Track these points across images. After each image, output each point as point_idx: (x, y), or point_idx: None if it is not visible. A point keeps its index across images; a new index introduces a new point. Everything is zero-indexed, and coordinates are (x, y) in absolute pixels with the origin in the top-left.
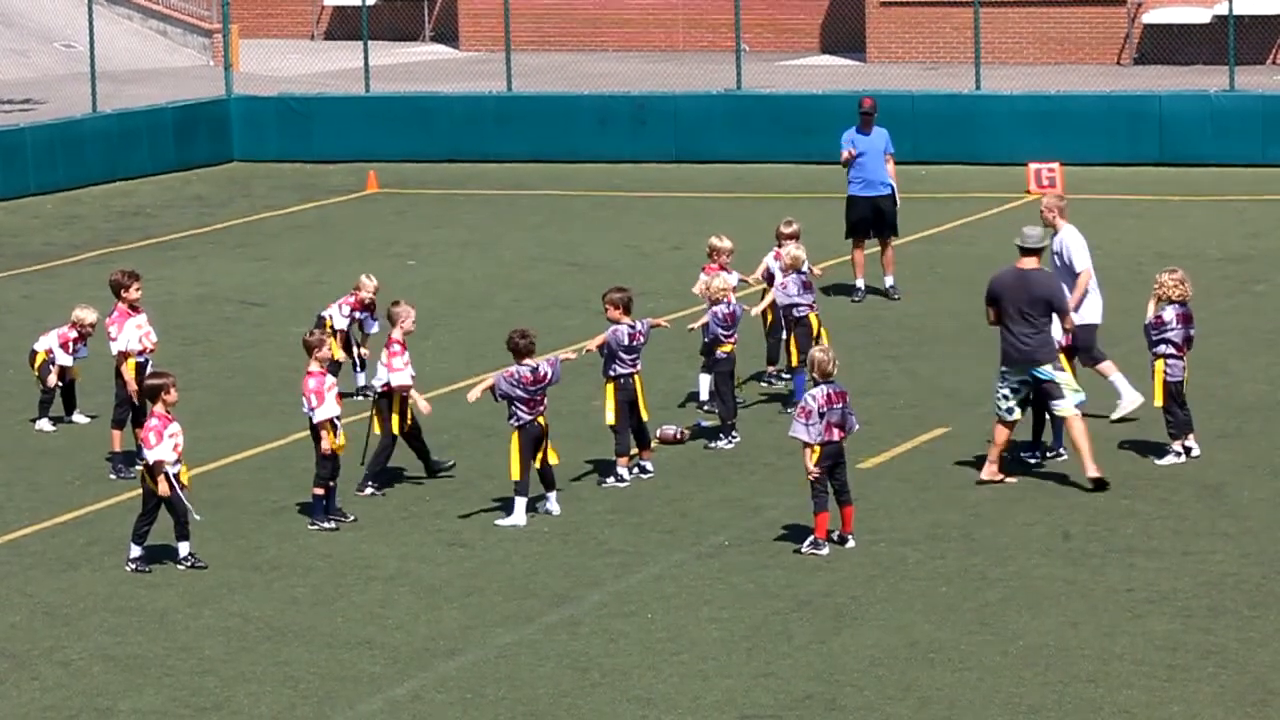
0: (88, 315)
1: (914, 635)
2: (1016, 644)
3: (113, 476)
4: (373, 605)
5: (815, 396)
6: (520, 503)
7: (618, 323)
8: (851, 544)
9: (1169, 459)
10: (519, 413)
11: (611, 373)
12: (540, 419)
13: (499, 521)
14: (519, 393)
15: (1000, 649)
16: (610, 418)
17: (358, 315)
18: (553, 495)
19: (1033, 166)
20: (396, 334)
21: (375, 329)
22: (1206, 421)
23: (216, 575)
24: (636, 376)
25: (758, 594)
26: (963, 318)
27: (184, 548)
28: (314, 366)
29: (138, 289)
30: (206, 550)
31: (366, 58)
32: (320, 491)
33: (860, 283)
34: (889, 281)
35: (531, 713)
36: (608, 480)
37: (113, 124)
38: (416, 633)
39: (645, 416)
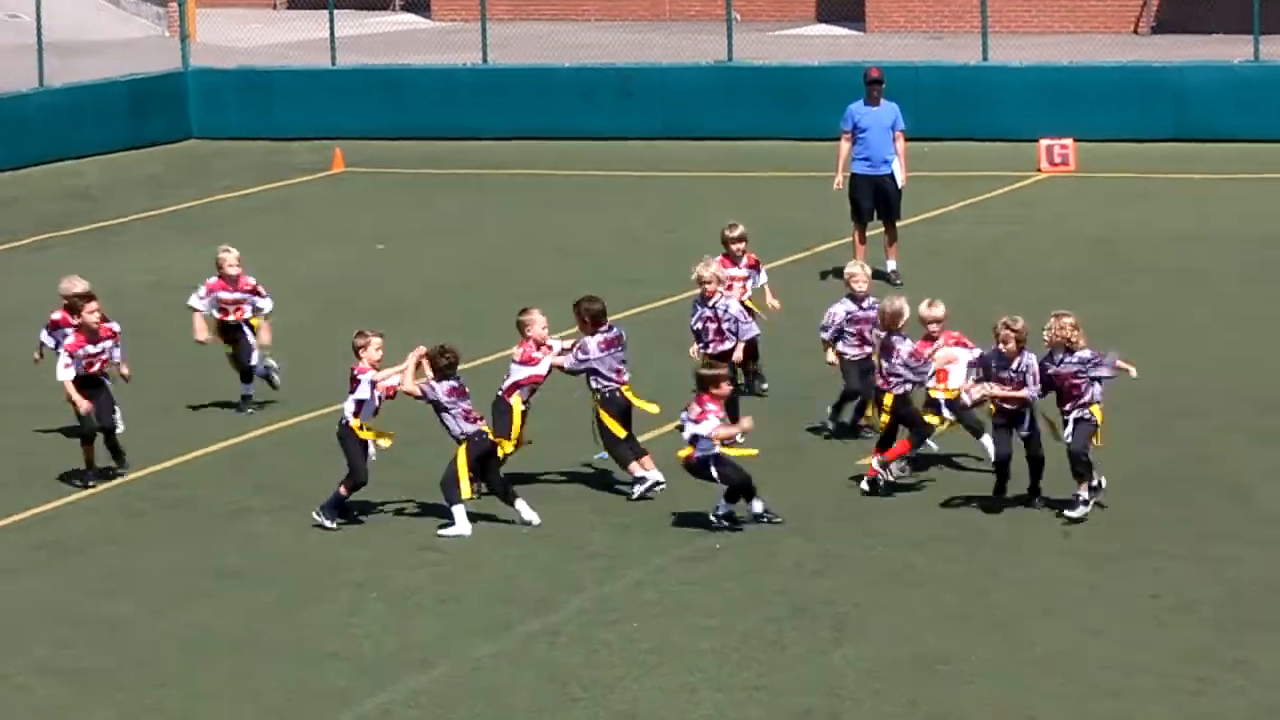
0: (75, 285)
1: (919, 645)
2: (1030, 654)
3: (92, 483)
4: (340, 614)
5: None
6: (459, 510)
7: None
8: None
9: (1082, 509)
10: (460, 427)
11: (594, 385)
12: (487, 429)
13: (441, 532)
14: (445, 402)
15: (1013, 659)
16: (615, 431)
17: (226, 295)
18: (521, 504)
19: (1044, 143)
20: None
21: (269, 306)
22: (1235, 419)
23: (173, 582)
24: (625, 388)
25: (750, 600)
26: (968, 304)
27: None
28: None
29: (95, 309)
30: (162, 556)
31: (332, 28)
32: (345, 491)
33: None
34: (891, 266)
35: None
36: (635, 489)
37: (60, 99)
38: (386, 643)
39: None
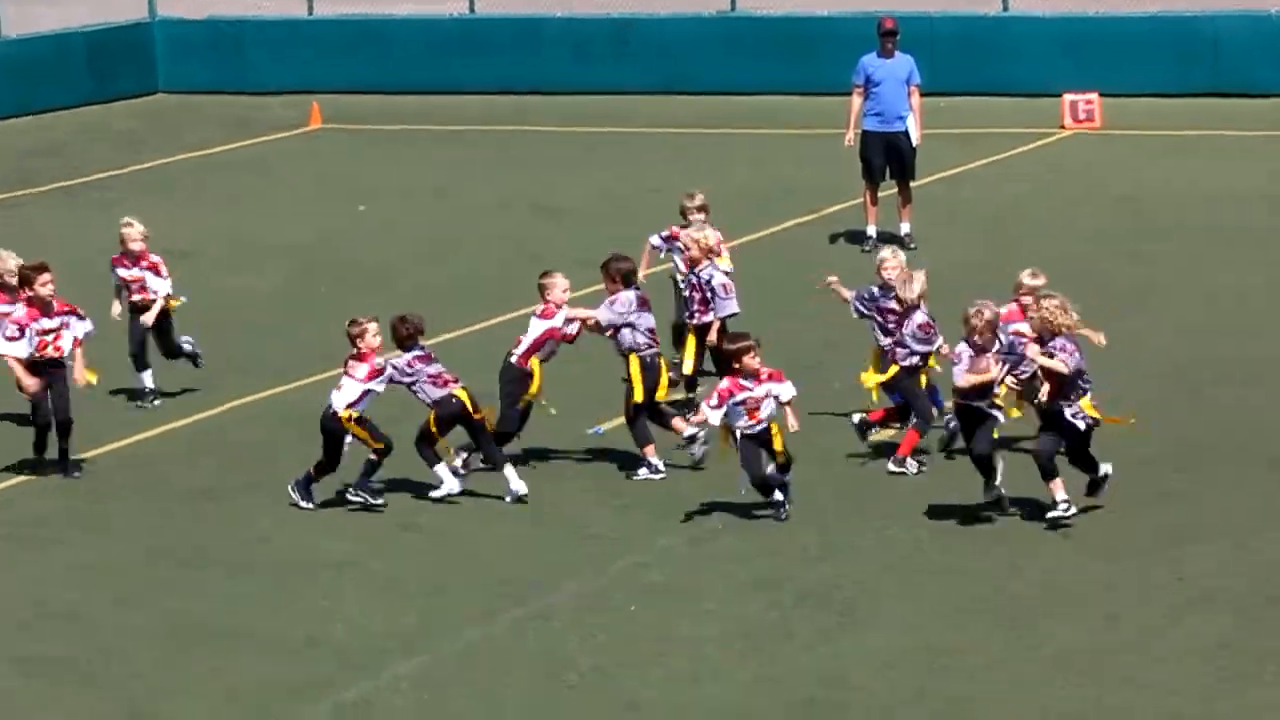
0: (8, 261)
1: (931, 634)
2: (1048, 644)
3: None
4: (319, 601)
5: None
6: (441, 469)
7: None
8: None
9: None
10: (427, 393)
11: (628, 345)
12: (460, 393)
13: (433, 494)
14: (410, 379)
15: (1029, 650)
16: (638, 396)
17: (125, 273)
18: (509, 471)
19: (1068, 98)
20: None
21: (164, 288)
22: (1268, 386)
23: (143, 568)
24: (660, 356)
25: (755, 586)
26: (986, 269)
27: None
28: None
29: (47, 282)
30: (130, 539)
31: None
32: (315, 474)
33: (872, 229)
34: (905, 228)
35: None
36: (639, 473)
37: (16, 50)
38: (368, 630)
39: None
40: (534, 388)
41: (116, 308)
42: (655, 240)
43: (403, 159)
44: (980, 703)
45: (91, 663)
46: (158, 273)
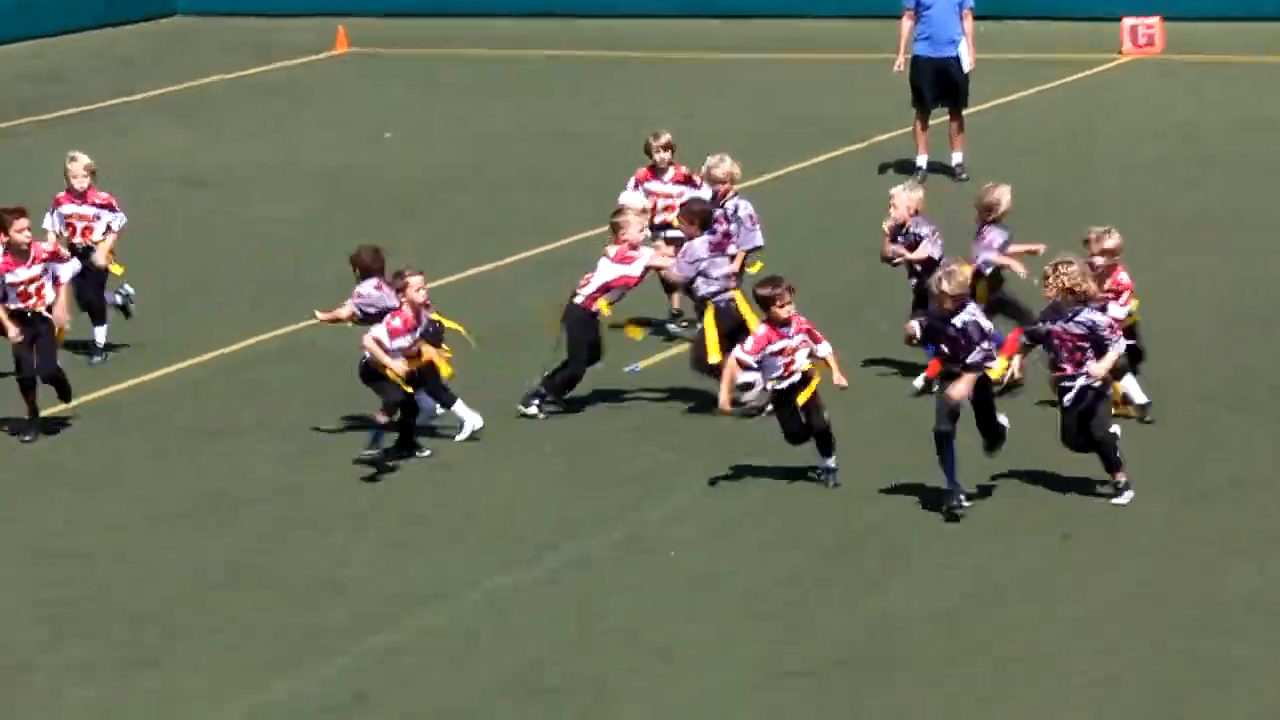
0: None
1: (979, 583)
2: (1106, 591)
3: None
4: (340, 545)
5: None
6: (460, 407)
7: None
8: None
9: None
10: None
11: (703, 293)
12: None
13: (459, 437)
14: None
15: (1085, 597)
16: (713, 355)
17: (71, 210)
18: (459, 406)
19: (1128, 22)
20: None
21: (120, 223)
22: None
23: (153, 509)
24: (738, 295)
25: (797, 534)
26: (1043, 200)
27: None
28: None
29: (24, 228)
30: (140, 479)
31: None
32: (383, 417)
33: (922, 160)
34: (956, 159)
35: (527, 669)
36: (747, 396)
37: None
38: (391, 577)
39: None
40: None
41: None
42: (629, 194)
43: (428, 85)
44: (1031, 652)
45: (99, 607)
46: (112, 208)
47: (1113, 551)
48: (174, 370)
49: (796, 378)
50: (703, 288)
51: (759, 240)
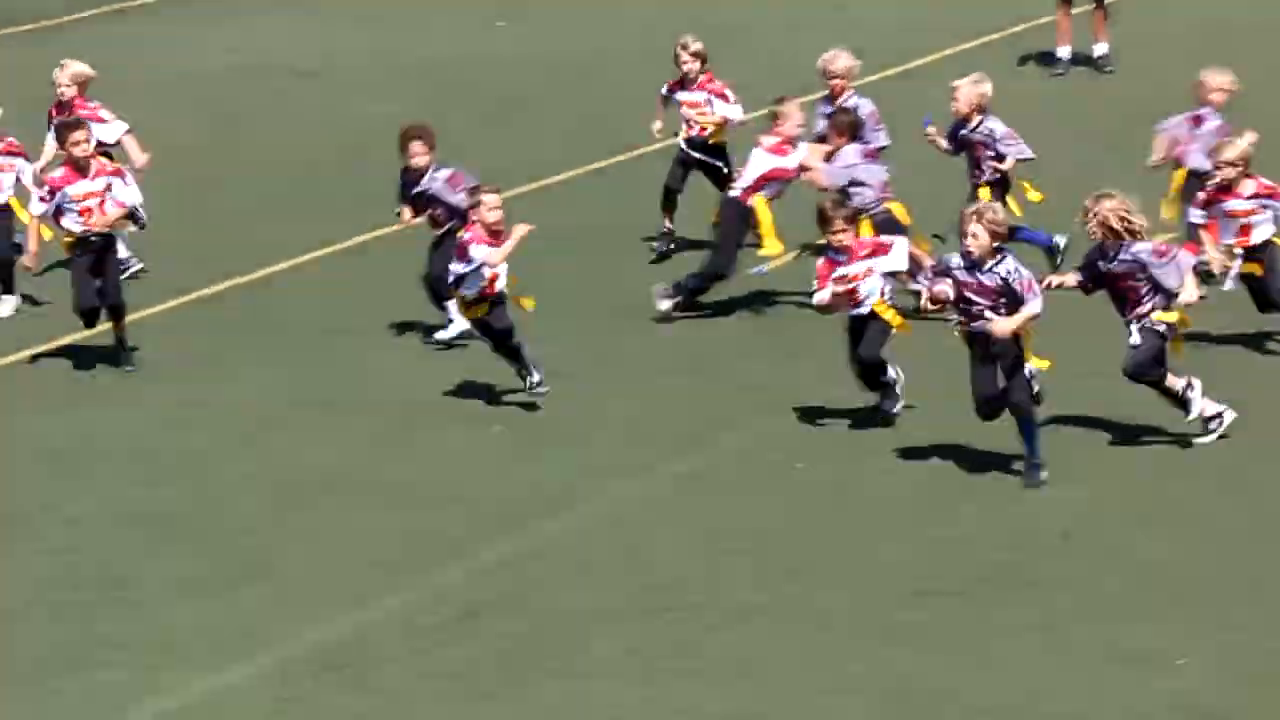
0: None
1: (1128, 492)
2: (1261, 505)
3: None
4: (454, 452)
5: None
6: (451, 307)
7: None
8: None
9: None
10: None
11: (857, 203)
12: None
13: (438, 335)
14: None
15: (1238, 511)
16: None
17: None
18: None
19: None
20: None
21: (115, 135)
22: None
23: (258, 412)
24: (896, 207)
25: (935, 441)
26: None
27: None
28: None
29: (80, 140)
30: (244, 382)
31: None
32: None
33: (1064, 51)
34: (1100, 49)
35: (647, 585)
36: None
37: None
38: (507, 486)
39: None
40: (766, 236)
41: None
42: (664, 90)
43: None
44: (1182, 566)
45: (203, 512)
46: (99, 119)
47: (1274, 458)
48: (280, 269)
49: (864, 309)
50: (856, 198)
51: (884, 140)
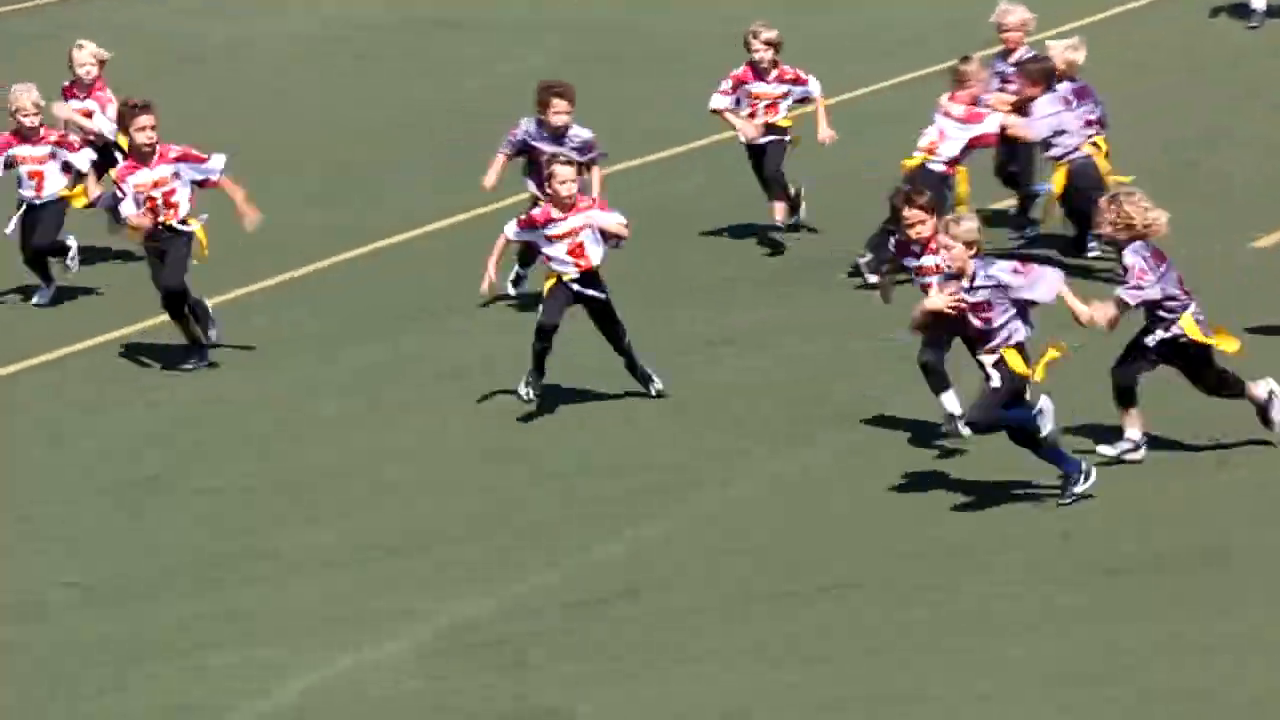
0: (21, 97)
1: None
2: None
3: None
4: (615, 423)
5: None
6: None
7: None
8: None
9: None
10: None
11: (1056, 153)
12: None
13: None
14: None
15: None
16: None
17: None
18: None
19: None
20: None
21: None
22: None
23: (409, 384)
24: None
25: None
26: None
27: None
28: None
29: (145, 126)
30: (367, 352)
31: None
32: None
33: (1260, 2)
34: None
35: (807, 563)
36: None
37: None
38: (669, 457)
39: None
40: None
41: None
42: (718, 97)
43: None
44: None
45: (351, 481)
46: (103, 110)
47: None
48: (411, 237)
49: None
50: (1057, 147)
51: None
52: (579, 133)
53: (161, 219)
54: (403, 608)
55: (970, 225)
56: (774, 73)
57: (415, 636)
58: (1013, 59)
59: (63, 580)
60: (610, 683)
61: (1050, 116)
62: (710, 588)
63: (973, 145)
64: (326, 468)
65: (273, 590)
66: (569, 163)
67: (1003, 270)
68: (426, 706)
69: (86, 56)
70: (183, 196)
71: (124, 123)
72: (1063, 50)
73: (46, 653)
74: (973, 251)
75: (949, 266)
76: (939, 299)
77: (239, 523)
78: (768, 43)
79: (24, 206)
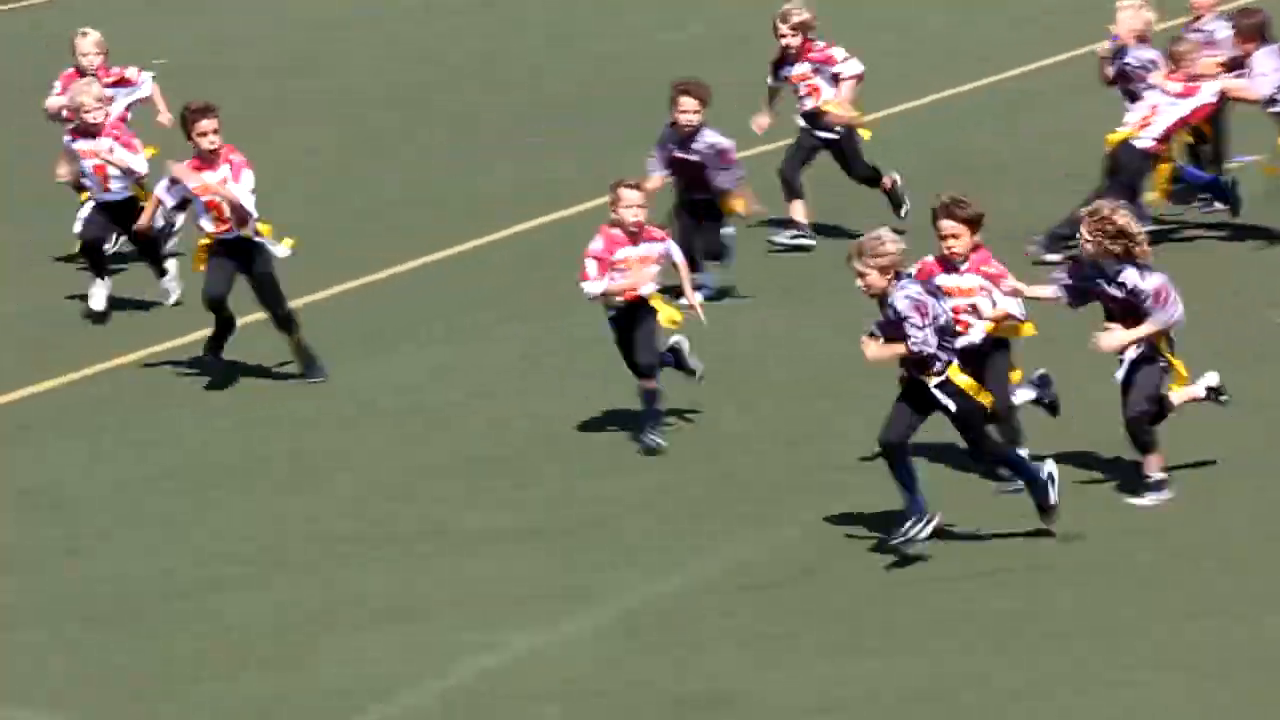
0: (83, 94)
1: None
2: None
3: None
4: (770, 400)
5: None
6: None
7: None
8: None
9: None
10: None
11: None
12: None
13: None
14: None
15: None
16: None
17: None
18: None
19: None
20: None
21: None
22: None
23: (503, 369)
24: None
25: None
26: None
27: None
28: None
29: (207, 131)
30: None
31: None
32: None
33: None
34: None
35: (985, 547)
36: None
37: None
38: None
39: None
40: (1160, 187)
41: (63, 167)
42: (771, 82)
43: None
44: None
45: (518, 465)
46: (129, 83)
47: None
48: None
49: (965, 339)
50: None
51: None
52: (712, 138)
53: (236, 229)
54: (579, 589)
55: (890, 249)
56: (802, 54)
57: (588, 619)
58: (1200, 24)
59: (237, 556)
60: (785, 666)
61: (1275, 73)
62: (889, 569)
63: (1191, 118)
64: (498, 449)
65: (449, 569)
66: (637, 186)
67: (904, 303)
68: (600, 689)
69: (90, 45)
70: (246, 200)
71: (186, 126)
72: (1131, 12)
73: (232, 622)
74: (889, 276)
75: (871, 295)
76: (872, 348)
77: (410, 501)
78: (795, 27)
79: (91, 203)
